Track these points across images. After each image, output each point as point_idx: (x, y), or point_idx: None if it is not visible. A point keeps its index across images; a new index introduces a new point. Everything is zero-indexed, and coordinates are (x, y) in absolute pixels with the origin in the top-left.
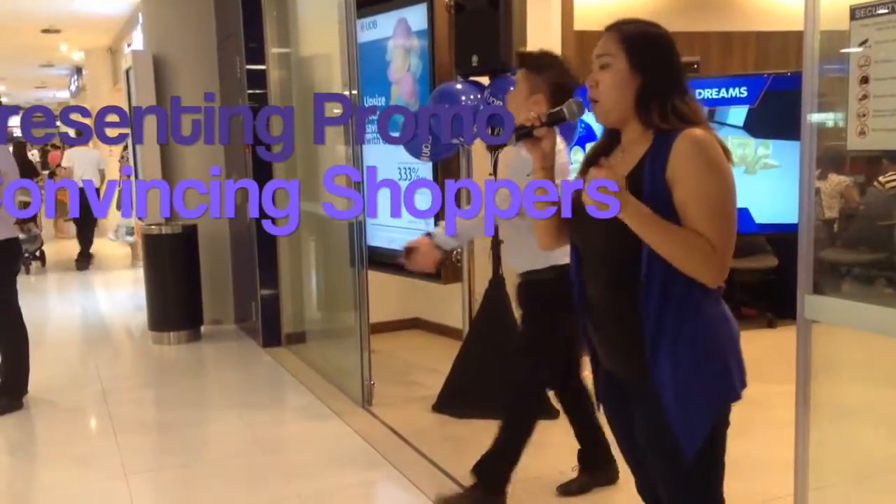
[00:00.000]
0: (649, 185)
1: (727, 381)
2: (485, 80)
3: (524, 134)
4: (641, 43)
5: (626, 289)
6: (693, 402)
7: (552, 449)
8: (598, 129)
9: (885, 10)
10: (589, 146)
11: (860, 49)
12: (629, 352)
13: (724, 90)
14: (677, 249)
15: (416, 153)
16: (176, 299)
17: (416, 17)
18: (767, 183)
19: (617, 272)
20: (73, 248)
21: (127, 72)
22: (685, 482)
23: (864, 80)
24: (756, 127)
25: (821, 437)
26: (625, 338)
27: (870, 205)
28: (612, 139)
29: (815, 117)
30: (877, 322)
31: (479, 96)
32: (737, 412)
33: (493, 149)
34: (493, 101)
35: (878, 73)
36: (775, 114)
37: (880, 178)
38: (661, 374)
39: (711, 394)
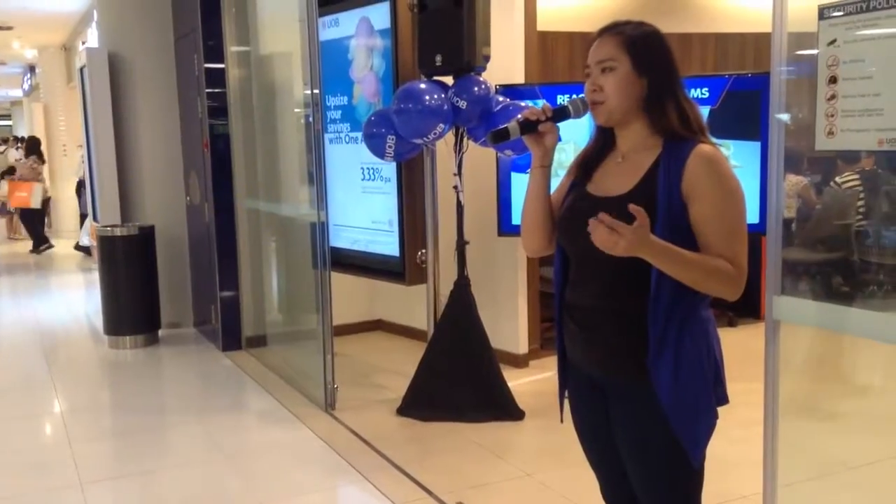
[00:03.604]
0: (665, 198)
1: (721, 386)
2: (449, 80)
3: (529, 129)
4: (643, 44)
5: (631, 293)
6: (697, 410)
7: (517, 451)
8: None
9: (854, 10)
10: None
11: (828, 49)
12: (626, 355)
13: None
14: (699, 276)
15: (380, 153)
16: (132, 302)
17: (379, 15)
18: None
19: (623, 276)
20: (26, 249)
21: (81, 70)
22: (672, 490)
23: (833, 80)
24: (718, 127)
25: (786, 435)
26: (623, 341)
27: (826, 205)
28: (605, 141)
29: (783, 118)
30: (845, 322)
31: (443, 96)
32: None
33: (459, 149)
34: (457, 101)
35: (846, 74)
36: (736, 114)
37: (836, 179)
38: (662, 380)
39: (710, 400)
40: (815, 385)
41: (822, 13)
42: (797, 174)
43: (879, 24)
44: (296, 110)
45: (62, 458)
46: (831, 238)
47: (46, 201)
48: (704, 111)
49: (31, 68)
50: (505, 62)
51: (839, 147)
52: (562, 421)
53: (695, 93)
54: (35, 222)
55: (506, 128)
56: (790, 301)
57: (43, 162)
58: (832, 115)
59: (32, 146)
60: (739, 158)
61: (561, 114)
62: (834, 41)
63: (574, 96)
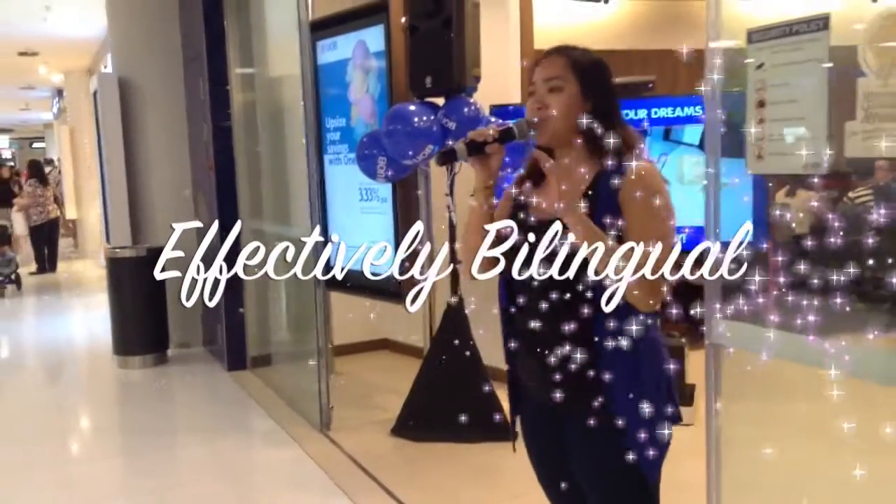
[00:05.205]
0: (603, 205)
1: (674, 404)
2: (441, 101)
3: (475, 150)
4: (591, 69)
5: (579, 315)
6: (651, 429)
7: (509, 473)
8: None
9: (778, 34)
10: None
11: (756, 73)
12: (577, 378)
13: (679, 109)
14: (621, 262)
15: (372, 174)
16: (141, 323)
17: (374, 38)
18: (722, 200)
19: (569, 299)
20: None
21: (94, 94)
22: None
23: (761, 103)
24: None
25: (738, 457)
26: (572, 364)
27: (839, 221)
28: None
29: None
30: (782, 347)
31: (432, 117)
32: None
33: (451, 170)
34: (446, 122)
35: (773, 97)
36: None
37: (850, 194)
38: (615, 401)
39: (664, 419)
40: (771, 407)
41: (751, 37)
42: (809, 190)
43: (803, 47)
44: (296, 132)
45: (67, 478)
46: (844, 254)
47: (49, 223)
48: (697, 129)
49: (59, 92)
50: (500, 82)
51: (767, 171)
52: (514, 450)
53: (688, 110)
54: (39, 244)
55: (453, 149)
56: (728, 325)
57: (45, 185)
58: (761, 139)
59: (34, 170)
60: (730, 175)
61: (507, 135)
62: (762, 65)
63: (520, 119)
